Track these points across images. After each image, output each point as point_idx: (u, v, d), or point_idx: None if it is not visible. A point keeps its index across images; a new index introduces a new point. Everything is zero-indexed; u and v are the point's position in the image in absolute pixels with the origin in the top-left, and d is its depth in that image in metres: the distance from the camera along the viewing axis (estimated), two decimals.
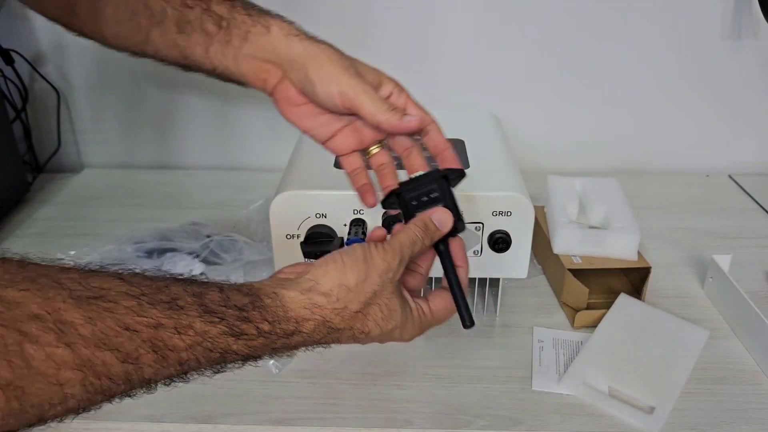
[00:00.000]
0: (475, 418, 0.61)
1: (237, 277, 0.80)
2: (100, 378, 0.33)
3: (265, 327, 0.40)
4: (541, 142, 1.11)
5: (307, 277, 0.44)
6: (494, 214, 0.65)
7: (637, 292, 0.78)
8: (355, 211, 0.65)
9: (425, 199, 0.51)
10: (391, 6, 1.01)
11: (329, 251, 0.63)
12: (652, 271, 0.74)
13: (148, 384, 0.36)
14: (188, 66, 0.57)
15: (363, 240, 0.64)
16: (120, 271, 0.37)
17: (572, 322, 0.73)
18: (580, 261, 0.75)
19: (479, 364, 0.68)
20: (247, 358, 0.40)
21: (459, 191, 0.55)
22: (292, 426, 0.61)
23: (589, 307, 0.73)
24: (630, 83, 1.06)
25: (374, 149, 0.57)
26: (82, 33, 0.60)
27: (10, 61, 1.02)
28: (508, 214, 0.65)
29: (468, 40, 1.03)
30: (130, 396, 0.36)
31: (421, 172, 0.54)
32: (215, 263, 0.83)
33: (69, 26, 0.60)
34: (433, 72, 1.06)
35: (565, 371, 0.66)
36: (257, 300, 0.41)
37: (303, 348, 0.44)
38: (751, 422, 0.61)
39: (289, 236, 0.66)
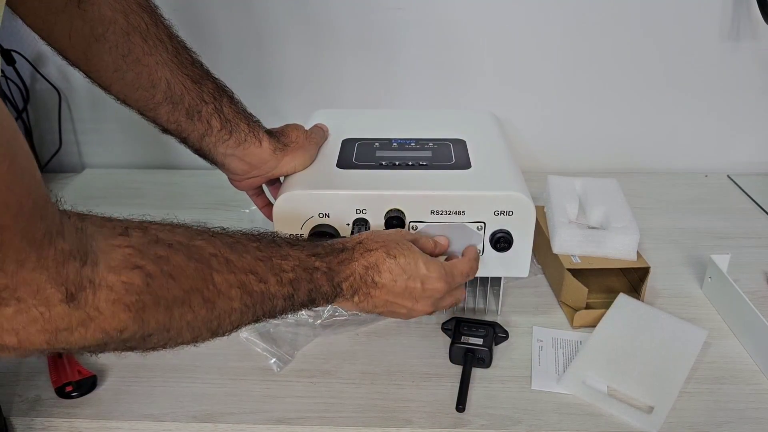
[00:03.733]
0: (474, 417, 0.61)
1: None
2: (249, 294, 0.48)
3: (327, 248, 0.56)
4: (541, 142, 1.12)
5: None
6: (496, 213, 0.65)
7: (636, 291, 0.78)
8: (358, 211, 0.65)
9: (474, 329, 0.69)
10: (391, 7, 1.01)
11: None
12: (651, 270, 0.74)
13: (272, 300, 0.50)
14: (172, 135, 0.66)
15: None
16: (240, 230, 0.52)
17: (571, 321, 0.73)
18: (579, 261, 0.75)
19: None
20: (327, 273, 0.54)
21: (461, 191, 0.64)
22: (292, 425, 0.61)
23: (588, 307, 0.73)
24: (630, 84, 1.07)
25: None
26: (88, 76, 0.62)
27: (11, 62, 1.03)
28: (509, 213, 0.65)
29: (468, 40, 1.04)
30: (260, 320, 0.51)
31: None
32: None
33: (78, 67, 0.62)
34: (434, 72, 1.06)
35: (564, 371, 0.66)
36: (314, 240, 0.58)
37: (354, 275, 0.56)
38: (749, 422, 0.61)
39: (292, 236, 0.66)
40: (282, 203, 0.65)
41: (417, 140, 0.77)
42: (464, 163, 0.71)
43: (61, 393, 0.63)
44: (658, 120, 1.10)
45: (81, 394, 0.63)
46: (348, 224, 0.65)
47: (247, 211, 0.90)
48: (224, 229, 0.51)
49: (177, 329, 0.44)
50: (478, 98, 1.08)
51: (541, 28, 1.03)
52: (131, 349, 0.44)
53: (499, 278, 0.73)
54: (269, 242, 0.52)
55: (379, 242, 0.58)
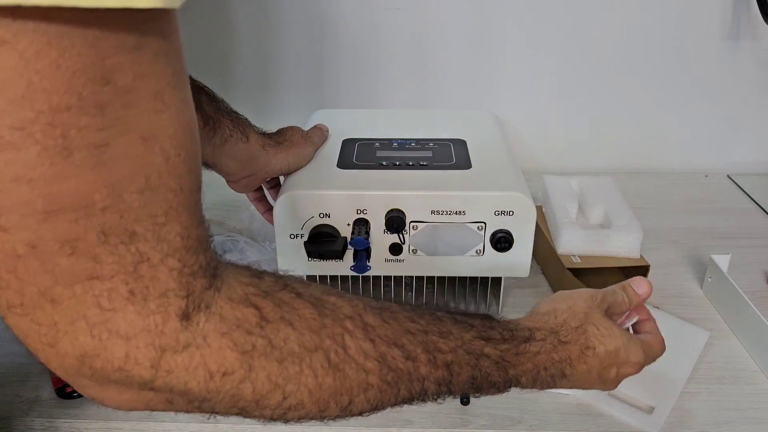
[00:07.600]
0: (474, 417, 0.61)
1: None
2: (391, 370, 0.40)
3: (506, 334, 0.47)
4: (541, 142, 1.12)
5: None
6: (496, 213, 0.65)
7: None
8: (359, 211, 0.65)
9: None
10: (391, 6, 1.01)
11: (333, 251, 0.64)
12: (651, 270, 0.74)
13: (421, 383, 0.42)
14: None
15: (366, 240, 0.64)
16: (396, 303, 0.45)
17: None
18: (579, 261, 0.75)
19: None
20: (499, 363, 0.45)
21: (461, 191, 0.63)
22: (292, 426, 0.61)
23: None
24: (629, 84, 1.07)
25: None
26: None
27: None
28: (510, 213, 0.65)
29: (468, 40, 1.04)
30: (407, 403, 0.43)
31: None
32: None
33: None
34: (434, 72, 1.06)
35: None
36: (491, 318, 0.48)
37: (538, 368, 0.47)
38: (750, 422, 0.61)
39: (293, 236, 0.66)
40: (282, 204, 0.65)
41: (417, 140, 0.77)
42: (465, 163, 0.71)
43: (62, 393, 0.63)
44: (658, 120, 1.10)
45: (81, 395, 0.63)
46: (348, 224, 0.65)
47: (247, 211, 0.89)
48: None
49: (294, 394, 0.37)
50: (478, 98, 1.08)
51: (541, 27, 1.03)
52: (244, 411, 0.38)
53: (499, 278, 0.73)
54: (428, 313, 0.44)
55: (575, 327, 0.50)
